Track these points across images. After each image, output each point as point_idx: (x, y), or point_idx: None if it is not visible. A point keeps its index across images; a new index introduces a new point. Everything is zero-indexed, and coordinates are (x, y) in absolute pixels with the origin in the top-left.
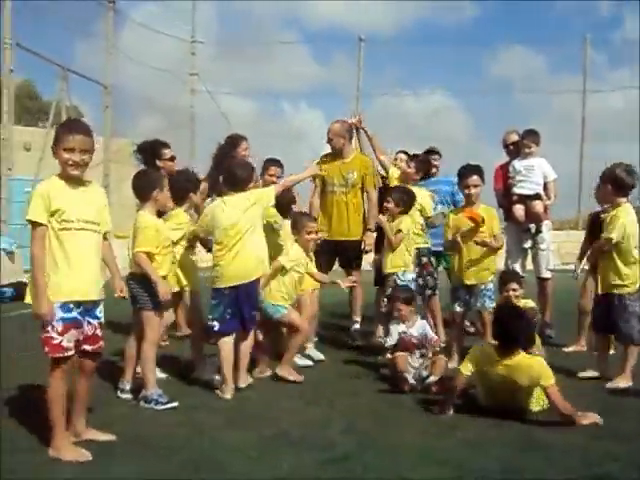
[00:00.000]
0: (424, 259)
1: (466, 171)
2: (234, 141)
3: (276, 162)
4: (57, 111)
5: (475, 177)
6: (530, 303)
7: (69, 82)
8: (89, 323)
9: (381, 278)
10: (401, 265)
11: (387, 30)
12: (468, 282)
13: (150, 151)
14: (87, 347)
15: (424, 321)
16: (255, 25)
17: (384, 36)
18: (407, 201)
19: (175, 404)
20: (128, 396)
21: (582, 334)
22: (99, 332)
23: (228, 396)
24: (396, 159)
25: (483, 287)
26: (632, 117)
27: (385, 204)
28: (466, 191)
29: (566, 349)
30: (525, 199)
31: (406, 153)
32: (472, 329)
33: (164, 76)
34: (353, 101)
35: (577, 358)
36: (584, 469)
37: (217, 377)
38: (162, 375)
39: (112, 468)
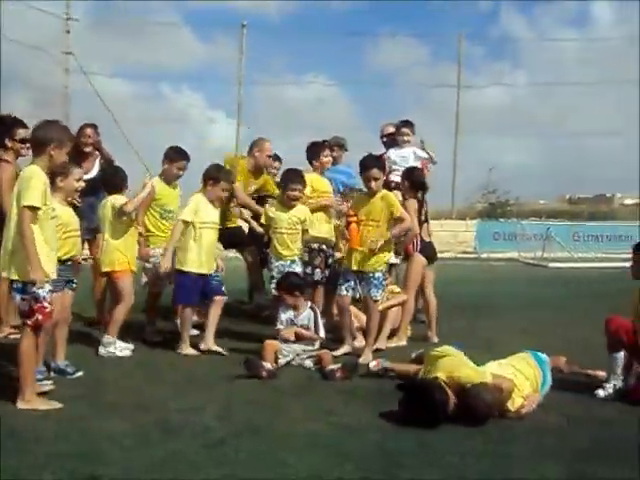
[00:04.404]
0: (329, 250)
1: (368, 163)
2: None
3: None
4: None
5: (376, 170)
6: (395, 288)
7: None
8: None
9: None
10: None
11: (271, 15)
12: (356, 268)
13: (1, 128)
14: None
15: (311, 312)
16: (133, 4)
17: (268, 21)
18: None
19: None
20: None
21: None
22: None
23: None
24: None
25: (372, 275)
26: (505, 111)
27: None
28: (367, 183)
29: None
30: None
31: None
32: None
33: (36, 54)
34: (235, 87)
35: None
36: (454, 446)
37: None
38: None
39: None
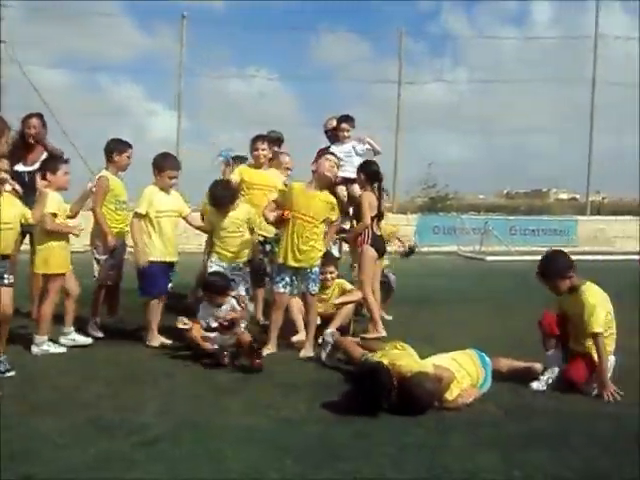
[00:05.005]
0: (268, 246)
1: (325, 151)
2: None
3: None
4: None
5: (333, 156)
6: (346, 284)
7: None
8: None
9: None
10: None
11: (214, 6)
12: (295, 264)
13: None
14: None
15: (233, 300)
16: None
17: (211, 12)
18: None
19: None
20: None
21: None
22: None
23: None
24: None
25: (309, 270)
26: (446, 107)
27: None
28: (321, 168)
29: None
30: (346, 182)
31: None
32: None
33: None
34: (175, 79)
35: None
36: (393, 437)
37: None
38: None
39: None
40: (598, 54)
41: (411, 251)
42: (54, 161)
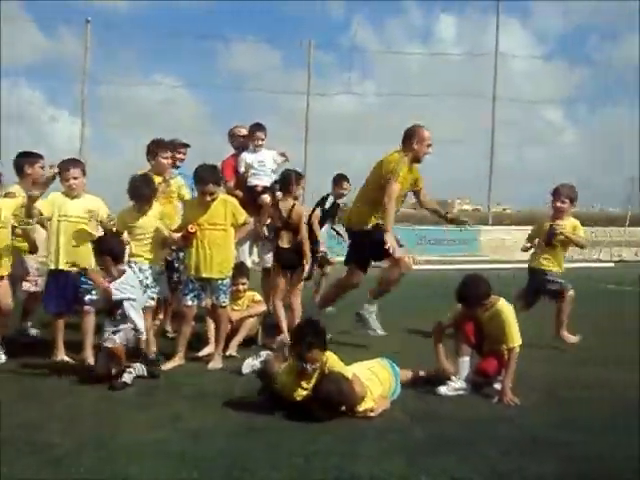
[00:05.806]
0: (181, 254)
1: (204, 176)
2: None
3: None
4: None
5: (211, 185)
6: (257, 296)
7: None
8: None
9: None
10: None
11: (120, 10)
12: (207, 275)
13: None
14: None
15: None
16: None
17: (117, 17)
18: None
19: None
20: None
21: None
22: None
23: None
24: None
25: (220, 282)
26: (355, 119)
27: None
28: (202, 196)
29: None
30: (265, 190)
31: None
32: None
33: None
34: (79, 85)
35: None
36: (302, 447)
37: None
38: None
39: None
40: (498, 71)
41: None
42: None
